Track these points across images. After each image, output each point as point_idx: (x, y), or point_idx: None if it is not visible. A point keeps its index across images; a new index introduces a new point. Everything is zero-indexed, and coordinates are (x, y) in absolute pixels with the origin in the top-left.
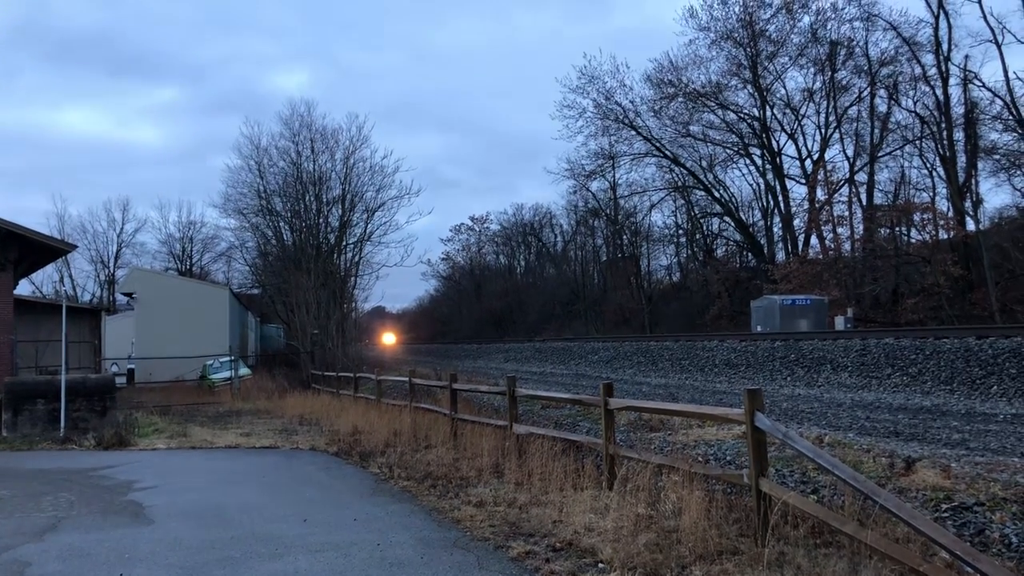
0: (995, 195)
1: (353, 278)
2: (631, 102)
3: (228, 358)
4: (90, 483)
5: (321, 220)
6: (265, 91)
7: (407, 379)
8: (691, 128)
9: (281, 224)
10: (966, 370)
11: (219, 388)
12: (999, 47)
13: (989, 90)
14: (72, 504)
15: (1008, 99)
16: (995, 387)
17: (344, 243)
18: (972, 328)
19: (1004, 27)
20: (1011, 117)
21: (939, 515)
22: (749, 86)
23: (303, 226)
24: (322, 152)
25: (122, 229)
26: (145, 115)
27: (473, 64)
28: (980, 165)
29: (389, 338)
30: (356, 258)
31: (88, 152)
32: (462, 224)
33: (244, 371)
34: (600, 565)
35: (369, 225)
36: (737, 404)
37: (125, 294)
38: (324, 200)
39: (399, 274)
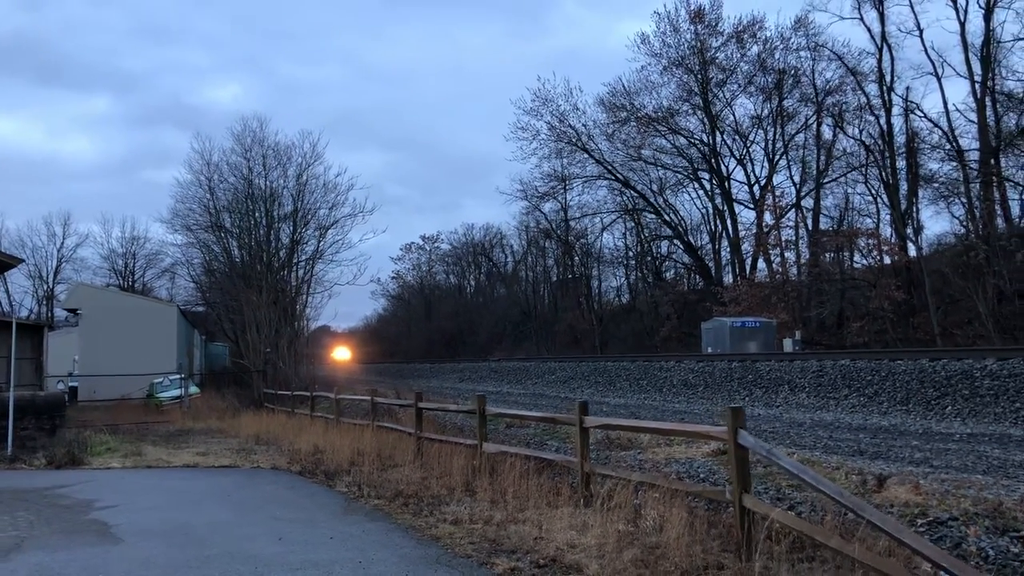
0: (935, 222)
1: (304, 296)
2: (584, 125)
3: (177, 376)
4: (47, 502)
5: (272, 237)
6: (199, 103)
7: (368, 398)
8: (643, 152)
9: (231, 240)
10: (921, 391)
11: (167, 407)
12: (939, 79)
13: (930, 120)
14: (32, 524)
15: (947, 129)
16: (949, 407)
17: (296, 260)
18: (925, 350)
19: (944, 60)
20: (950, 147)
21: (916, 529)
22: (700, 112)
23: (252, 242)
24: (274, 168)
25: (63, 244)
26: (77, 125)
27: (415, 81)
28: (921, 193)
29: (343, 353)
30: (307, 275)
31: (21, 164)
32: (412, 243)
33: (193, 390)
34: None
35: (321, 243)
36: (704, 423)
37: (69, 310)
38: (275, 217)
39: (347, 292)
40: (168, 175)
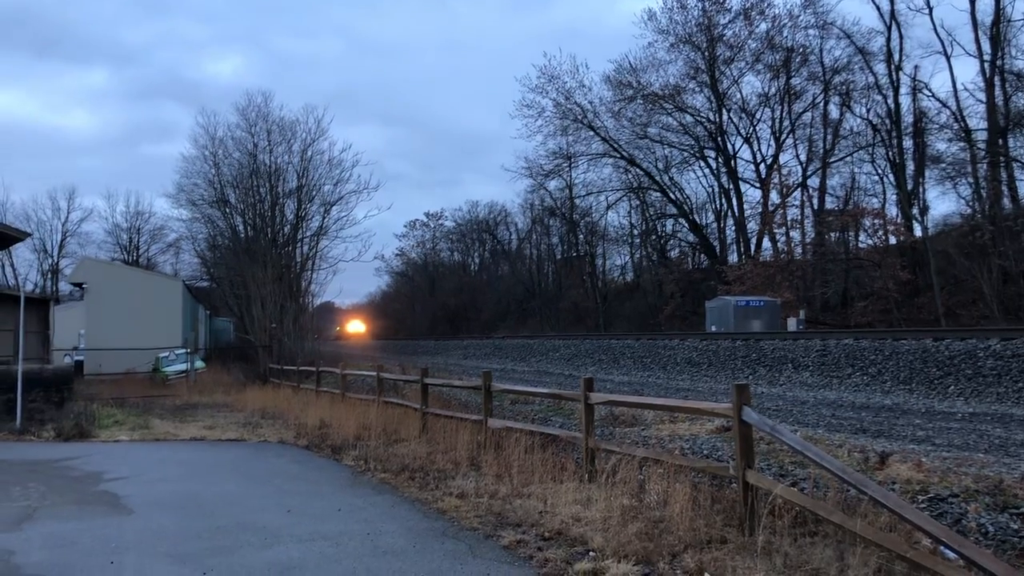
0: (941, 202)
1: (309, 272)
2: (590, 102)
3: (183, 350)
4: (57, 473)
5: (277, 212)
6: (197, 77)
7: (374, 374)
8: (648, 130)
9: (235, 216)
10: (924, 370)
11: (173, 381)
12: (948, 59)
13: (938, 100)
14: (44, 494)
15: (955, 109)
16: (952, 387)
17: (300, 236)
18: (929, 330)
19: (953, 39)
20: (958, 127)
21: (918, 505)
22: (706, 89)
23: (257, 218)
24: (279, 144)
25: (67, 218)
26: (76, 99)
27: (411, 56)
28: (927, 173)
29: (357, 326)
30: (312, 252)
31: (22, 137)
32: (416, 220)
33: (199, 364)
34: (592, 553)
35: (326, 219)
36: (708, 400)
37: (75, 284)
38: (280, 193)
39: (351, 269)
40: (169, 150)
